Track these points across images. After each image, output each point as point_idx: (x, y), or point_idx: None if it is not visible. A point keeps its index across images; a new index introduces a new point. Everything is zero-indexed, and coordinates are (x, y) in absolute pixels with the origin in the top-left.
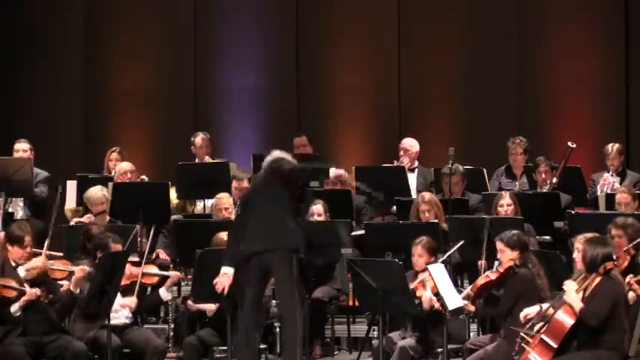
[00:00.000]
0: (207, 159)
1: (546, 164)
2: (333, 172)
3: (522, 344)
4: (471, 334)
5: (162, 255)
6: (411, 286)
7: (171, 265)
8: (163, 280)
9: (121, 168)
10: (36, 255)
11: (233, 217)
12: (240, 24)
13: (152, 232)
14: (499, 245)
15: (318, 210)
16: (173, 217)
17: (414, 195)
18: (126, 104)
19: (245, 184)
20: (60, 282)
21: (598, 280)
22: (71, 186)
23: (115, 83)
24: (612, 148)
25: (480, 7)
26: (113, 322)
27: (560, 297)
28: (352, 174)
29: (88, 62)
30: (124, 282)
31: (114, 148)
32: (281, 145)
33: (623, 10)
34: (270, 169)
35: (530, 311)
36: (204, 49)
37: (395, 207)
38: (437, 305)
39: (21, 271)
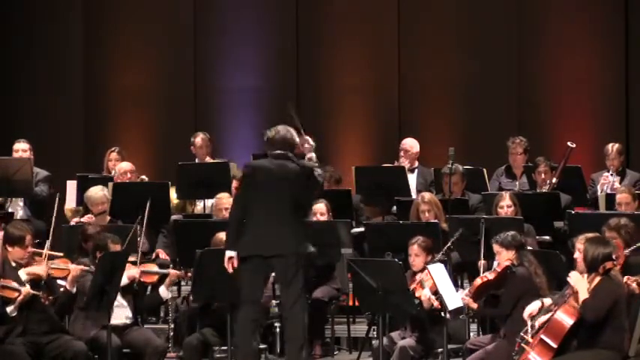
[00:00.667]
0: (208, 159)
1: (546, 164)
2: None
3: (522, 344)
4: (471, 334)
5: (162, 255)
6: (410, 286)
7: (171, 265)
8: (163, 279)
9: (121, 168)
10: (36, 255)
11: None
12: (240, 24)
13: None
14: (495, 247)
15: (320, 209)
16: (173, 217)
17: (414, 195)
18: (126, 104)
19: None
20: (60, 281)
21: (598, 279)
22: (71, 186)
23: (115, 83)
24: (612, 148)
25: (480, 7)
26: (113, 322)
27: (562, 294)
28: (352, 174)
29: (88, 62)
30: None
31: (114, 148)
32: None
33: (623, 10)
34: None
35: (533, 308)
36: (204, 49)
37: (395, 207)
38: (436, 304)
39: (22, 275)
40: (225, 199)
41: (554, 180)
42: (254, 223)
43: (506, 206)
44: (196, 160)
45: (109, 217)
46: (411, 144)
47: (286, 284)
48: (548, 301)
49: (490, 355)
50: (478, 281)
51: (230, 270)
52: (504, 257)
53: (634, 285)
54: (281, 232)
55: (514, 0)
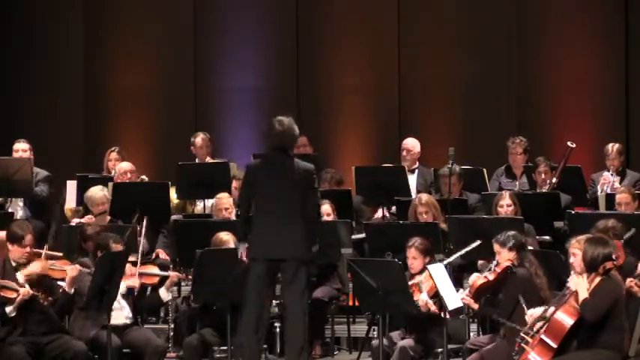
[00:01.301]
0: (208, 159)
1: (546, 164)
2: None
3: (522, 344)
4: (471, 334)
5: (162, 255)
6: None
7: (170, 265)
8: (163, 280)
9: (121, 168)
10: (36, 255)
11: (233, 217)
12: (240, 24)
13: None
14: (495, 247)
15: (326, 210)
16: (173, 217)
17: (413, 195)
18: (126, 104)
19: None
20: (59, 282)
21: (598, 280)
22: (71, 186)
23: (115, 83)
24: (612, 148)
25: (480, 7)
26: (113, 322)
27: (560, 296)
28: (352, 174)
29: (88, 62)
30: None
31: (114, 148)
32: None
33: (623, 10)
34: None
35: (536, 312)
36: (204, 49)
37: (395, 207)
38: (433, 308)
39: (20, 277)
40: (225, 199)
41: (554, 180)
42: (258, 224)
43: (506, 205)
44: (196, 160)
45: (108, 217)
46: (413, 144)
47: (288, 285)
48: (551, 309)
49: (490, 355)
50: (478, 282)
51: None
52: (504, 257)
53: (636, 288)
54: (285, 233)
55: (514, 0)
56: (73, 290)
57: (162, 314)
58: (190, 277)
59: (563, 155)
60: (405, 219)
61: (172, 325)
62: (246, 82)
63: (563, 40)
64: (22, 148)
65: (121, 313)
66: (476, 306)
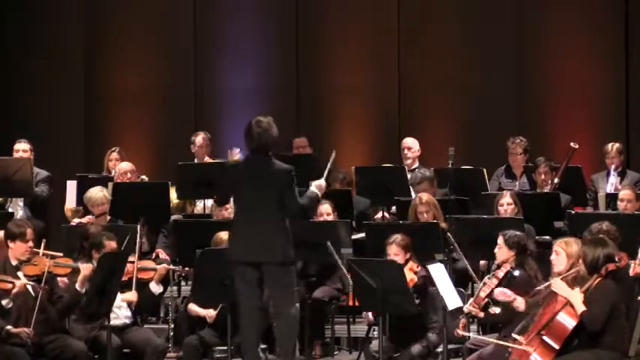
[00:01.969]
0: (207, 159)
1: (546, 165)
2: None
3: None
4: (471, 334)
5: (162, 255)
6: None
7: (171, 265)
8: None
9: (121, 168)
10: (36, 253)
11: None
12: (240, 24)
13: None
14: (500, 239)
15: (326, 210)
16: (173, 217)
17: (413, 195)
18: (126, 104)
19: None
20: (59, 278)
21: (597, 281)
22: (71, 186)
23: (115, 83)
24: (612, 147)
25: (480, 7)
26: (113, 322)
27: (545, 298)
28: (352, 174)
29: (88, 62)
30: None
31: (114, 148)
32: (280, 144)
33: (623, 11)
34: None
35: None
36: (204, 49)
37: (395, 207)
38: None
39: (21, 276)
40: None
41: (556, 180)
42: (238, 226)
43: (506, 204)
44: (195, 160)
45: (108, 217)
46: (412, 142)
47: (272, 289)
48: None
49: (490, 356)
50: (482, 293)
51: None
52: (504, 254)
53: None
54: (263, 236)
55: (514, 0)
56: (84, 289)
57: (162, 314)
58: (187, 268)
59: (566, 155)
60: (405, 219)
61: (172, 325)
62: (246, 82)
63: (563, 40)
64: (22, 148)
65: (120, 313)
66: (482, 314)
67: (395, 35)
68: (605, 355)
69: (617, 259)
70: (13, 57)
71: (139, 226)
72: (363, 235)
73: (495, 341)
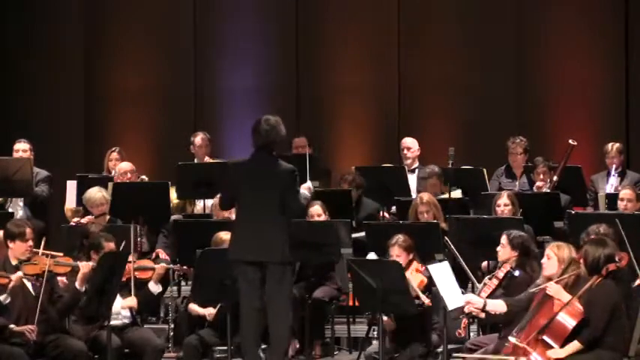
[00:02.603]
0: (207, 159)
1: (544, 165)
2: None
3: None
4: (471, 334)
5: (162, 255)
6: None
7: (171, 265)
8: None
9: (121, 168)
10: (35, 253)
11: (233, 217)
12: (241, 24)
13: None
14: (503, 238)
15: (317, 211)
16: (173, 217)
17: (414, 195)
18: (126, 104)
19: None
20: (59, 278)
21: (598, 281)
22: (71, 186)
23: (115, 83)
24: (612, 147)
25: (480, 7)
26: (113, 322)
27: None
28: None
29: (88, 62)
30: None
31: (114, 148)
32: (280, 145)
33: (623, 11)
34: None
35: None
36: (204, 49)
37: (395, 207)
38: (427, 302)
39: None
40: None
41: (555, 178)
42: (240, 224)
43: (503, 205)
44: (195, 160)
45: (108, 217)
46: (411, 142)
47: (271, 288)
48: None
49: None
50: (483, 294)
51: None
52: (506, 253)
53: None
54: (265, 235)
55: (514, 0)
56: (84, 288)
57: (162, 314)
58: (186, 267)
59: (565, 153)
60: (405, 219)
61: (172, 325)
62: (246, 82)
63: (563, 40)
64: (22, 148)
65: (120, 312)
66: (483, 315)
67: (395, 35)
68: (605, 355)
69: (617, 259)
70: (13, 57)
71: (132, 227)
72: (363, 234)
73: (482, 356)
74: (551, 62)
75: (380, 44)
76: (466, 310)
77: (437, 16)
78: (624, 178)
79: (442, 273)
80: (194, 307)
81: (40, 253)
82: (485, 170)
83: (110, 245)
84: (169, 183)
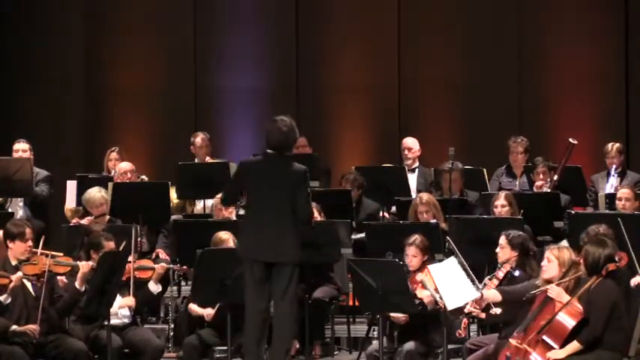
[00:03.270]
0: (207, 159)
1: (544, 165)
2: None
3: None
4: (471, 334)
5: (162, 255)
6: (410, 286)
7: (171, 265)
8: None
9: (121, 168)
10: (34, 253)
11: (233, 217)
12: (240, 24)
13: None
14: (502, 239)
15: None
16: (173, 217)
17: (414, 195)
18: (126, 104)
19: None
20: (59, 278)
21: (598, 281)
22: (71, 186)
23: (115, 83)
24: (612, 147)
25: (480, 6)
26: (113, 322)
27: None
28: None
29: (88, 62)
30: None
31: (113, 148)
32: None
33: (623, 10)
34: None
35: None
36: (204, 49)
37: (395, 207)
38: (442, 303)
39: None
40: None
41: (555, 177)
42: (249, 224)
43: (500, 206)
44: (196, 160)
45: (108, 217)
46: (412, 142)
47: (277, 289)
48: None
49: (489, 356)
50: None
51: None
52: (506, 254)
53: None
54: (275, 236)
55: (514, 0)
56: (84, 288)
57: (162, 314)
58: (185, 267)
59: (565, 152)
60: (405, 219)
61: (172, 325)
62: (246, 82)
63: (563, 40)
64: (22, 148)
65: (120, 312)
66: (483, 315)
67: (395, 35)
68: (605, 355)
69: (617, 259)
70: (14, 57)
71: (133, 228)
72: (363, 235)
73: None
74: (551, 62)
75: (380, 44)
76: (466, 310)
77: (437, 16)
78: (624, 178)
79: (446, 271)
80: (194, 307)
81: (38, 253)
82: (485, 170)
83: (110, 245)
84: (169, 183)
